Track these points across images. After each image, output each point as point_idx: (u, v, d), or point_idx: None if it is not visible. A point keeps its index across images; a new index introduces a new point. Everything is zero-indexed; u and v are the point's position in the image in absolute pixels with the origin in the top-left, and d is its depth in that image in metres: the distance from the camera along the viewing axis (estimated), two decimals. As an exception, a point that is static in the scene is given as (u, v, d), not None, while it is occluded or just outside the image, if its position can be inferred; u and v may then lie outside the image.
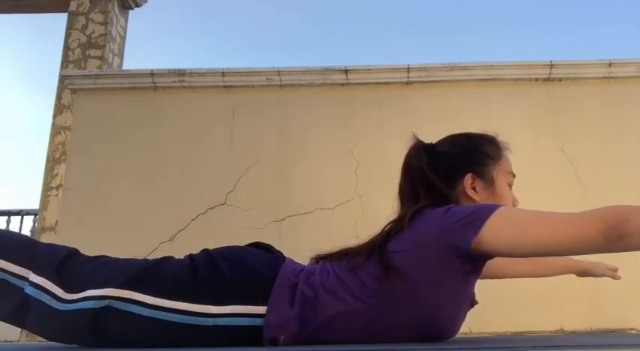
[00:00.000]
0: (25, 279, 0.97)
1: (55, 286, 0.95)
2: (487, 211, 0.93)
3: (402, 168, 1.13)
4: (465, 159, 1.11)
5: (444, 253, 0.93)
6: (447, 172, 1.09)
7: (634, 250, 0.84)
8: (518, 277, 1.51)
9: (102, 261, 1.01)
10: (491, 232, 0.90)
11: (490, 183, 1.10)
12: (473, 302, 1.10)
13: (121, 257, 1.04)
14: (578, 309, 2.93)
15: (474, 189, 1.09)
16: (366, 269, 0.96)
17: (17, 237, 1.09)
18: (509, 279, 2.92)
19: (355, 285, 0.95)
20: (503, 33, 15.85)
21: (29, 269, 0.97)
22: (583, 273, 1.60)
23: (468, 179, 1.09)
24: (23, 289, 0.96)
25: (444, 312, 0.97)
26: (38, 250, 1.01)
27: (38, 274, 0.96)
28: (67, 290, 0.95)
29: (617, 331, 2.82)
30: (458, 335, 1.10)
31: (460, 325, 1.04)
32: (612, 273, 1.60)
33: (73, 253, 1.02)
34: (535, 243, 0.89)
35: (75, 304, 0.93)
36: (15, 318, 1.00)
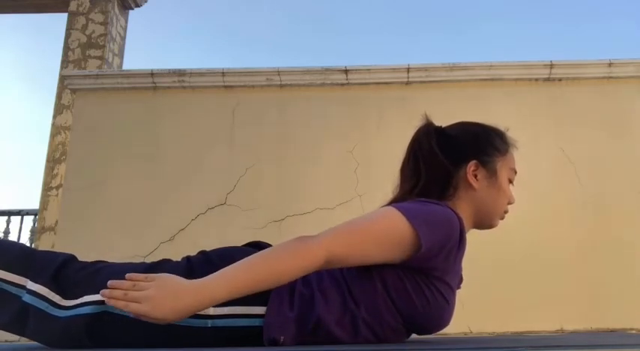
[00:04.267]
0: (23, 287, 0.97)
1: (53, 293, 0.95)
2: (400, 205, 0.97)
3: (409, 145, 1.13)
4: (473, 146, 1.12)
5: None
6: (453, 156, 1.10)
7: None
8: None
9: (99, 266, 1.01)
10: None
11: (492, 174, 1.10)
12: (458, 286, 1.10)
13: (118, 262, 1.04)
14: (578, 309, 2.93)
15: (475, 176, 1.09)
16: (355, 268, 0.97)
17: (13, 246, 1.10)
18: (508, 279, 2.93)
19: (345, 283, 0.97)
20: (503, 30, 15.85)
21: (26, 277, 0.98)
22: None
23: (471, 166, 1.09)
24: (21, 297, 0.96)
25: (427, 304, 0.97)
26: (35, 258, 1.01)
27: (36, 282, 0.96)
28: (65, 297, 0.95)
29: (617, 331, 2.83)
30: (458, 335, 1.10)
31: (450, 315, 1.04)
32: None
33: (69, 260, 1.02)
34: None
35: (73, 310, 0.93)
36: (14, 326, 1.00)
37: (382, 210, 0.98)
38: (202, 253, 1.03)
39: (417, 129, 1.14)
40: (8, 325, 1.01)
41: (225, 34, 16.79)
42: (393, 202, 1.05)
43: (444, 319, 1.03)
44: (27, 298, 0.96)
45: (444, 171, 1.08)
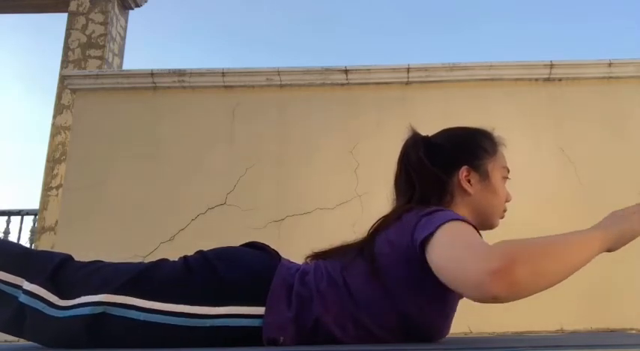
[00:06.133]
0: (19, 287, 0.97)
1: (50, 294, 0.95)
2: (443, 218, 0.90)
3: (399, 159, 1.13)
4: (461, 151, 1.12)
5: (411, 251, 0.93)
6: (443, 164, 1.09)
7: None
8: None
9: (96, 266, 1.01)
10: (433, 239, 0.87)
11: (485, 176, 1.10)
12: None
13: (115, 261, 1.04)
14: (578, 309, 2.93)
15: (468, 181, 1.09)
16: (356, 270, 0.97)
17: (10, 245, 1.10)
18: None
19: (345, 285, 0.96)
20: (503, 30, 15.85)
21: (23, 277, 0.97)
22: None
23: (463, 171, 1.09)
24: (17, 297, 0.96)
25: (428, 311, 0.97)
26: (32, 258, 1.01)
27: (32, 282, 0.96)
28: (62, 297, 0.95)
29: (617, 331, 2.82)
30: (458, 335, 1.10)
31: (450, 323, 1.04)
32: None
33: (67, 259, 1.01)
34: (443, 265, 0.85)
35: (70, 311, 0.93)
36: (11, 327, 1.00)
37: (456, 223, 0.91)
38: (199, 252, 1.03)
39: (403, 142, 1.14)
40: (5, 325, 1.00)
41: (225, 34, 16.80)
42: (394, 214, 1.04)
43: (447, 322, 1.03)
44: (23, 298, 0.95)
45: (437, 180, 1.07)
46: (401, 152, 1.13)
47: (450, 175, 1.09)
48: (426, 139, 1.14)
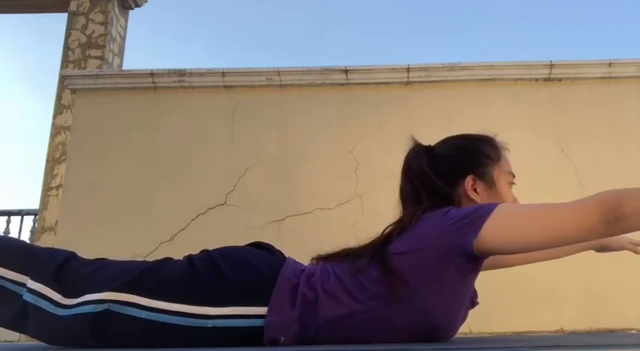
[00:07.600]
0: (23, 285, 0.97)
1: (54, 292, 0.95)
2: (486, 210, 0.94)
3: (402, 170, 1.13)
4: (465, 161, 1.11)
5: (444, 254, 0.94)
6: (448, 174, 1.09)
7: (633, 231, 0.87)
8: (532, 262, 1.43)
9: (100, 264, 1.01)
10: (492, 231, 0.91)
11: (491, 184, 1.10)
12: (474, 302, 1.11)
13: (119, 259, 1.04)
14: (578, 309, 2.93)
15: (475, 190, 1.09)
16: (367, 272, 0.97)
17: (14, 243, 1.09)
18: (508, 279, 2.93)
19: (355, 287, 0.96)
20: (503, 30, 15.85)
21: (27, 275, 0.97)
22: (600, 248, 1.43)
23: (469, 181, 1.09)
24: (21, 295, 0.96)
25: (443, 312, 0.98)
26: (36, 256, 1.01)
27: (36, 281, 0.96)
28: (66, 295, 0.95)
29: (617, 331, 2.82)
30: (458, 335, 1.10)
31: (460, 325, 1.05)
32: (633, 247, 1.40)
33: (70, 257, 1.01)
34: (536, 237, 0.91)
35: (74, 309, 0.93)
36: (15, 324, 1.00)
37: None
38: (205, 251, 1.03)
39: (406, 153, 1.13)
40: (10, 323, 1.00)
41: (225, 34, 16.80)
42: (407, 217, 1.03)
43: (457, 324, 1.03)
44: (27, 296, 0.96)
45: (443, 192, 1.07)
46: (404, 164, 1.13)
47: (456, 186, 1.09)
48: (428, 149, 1.13)
